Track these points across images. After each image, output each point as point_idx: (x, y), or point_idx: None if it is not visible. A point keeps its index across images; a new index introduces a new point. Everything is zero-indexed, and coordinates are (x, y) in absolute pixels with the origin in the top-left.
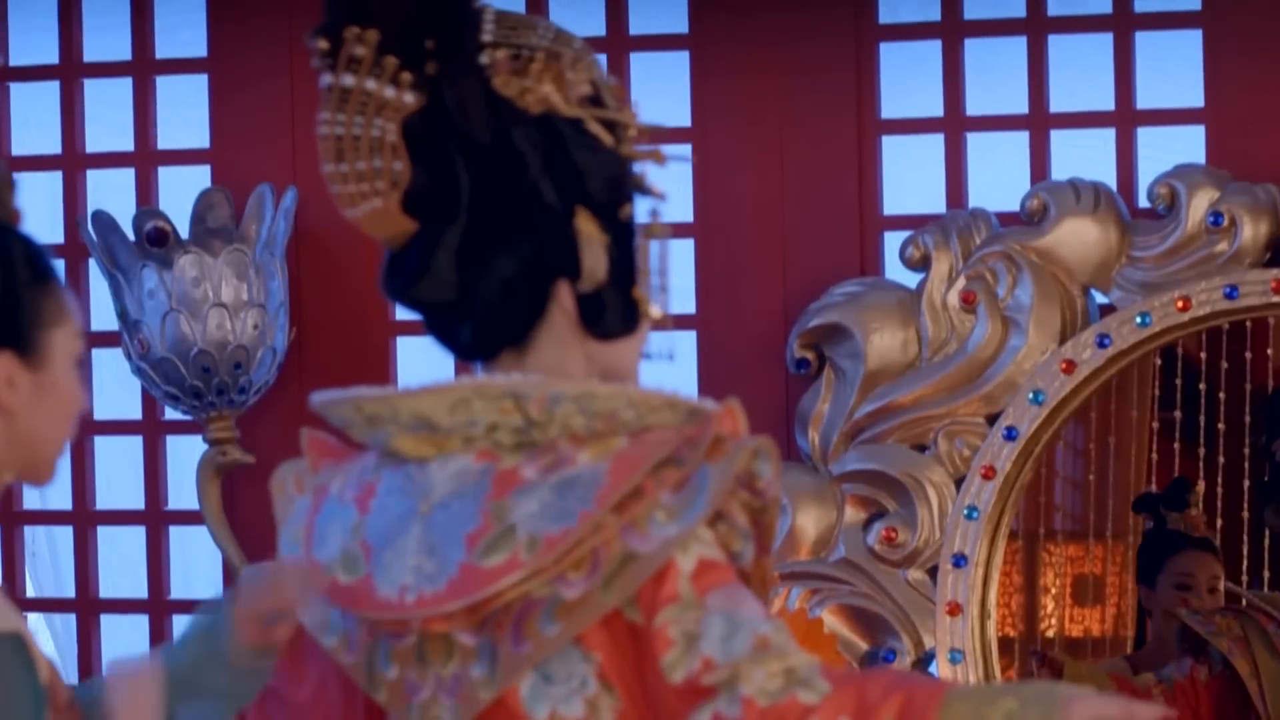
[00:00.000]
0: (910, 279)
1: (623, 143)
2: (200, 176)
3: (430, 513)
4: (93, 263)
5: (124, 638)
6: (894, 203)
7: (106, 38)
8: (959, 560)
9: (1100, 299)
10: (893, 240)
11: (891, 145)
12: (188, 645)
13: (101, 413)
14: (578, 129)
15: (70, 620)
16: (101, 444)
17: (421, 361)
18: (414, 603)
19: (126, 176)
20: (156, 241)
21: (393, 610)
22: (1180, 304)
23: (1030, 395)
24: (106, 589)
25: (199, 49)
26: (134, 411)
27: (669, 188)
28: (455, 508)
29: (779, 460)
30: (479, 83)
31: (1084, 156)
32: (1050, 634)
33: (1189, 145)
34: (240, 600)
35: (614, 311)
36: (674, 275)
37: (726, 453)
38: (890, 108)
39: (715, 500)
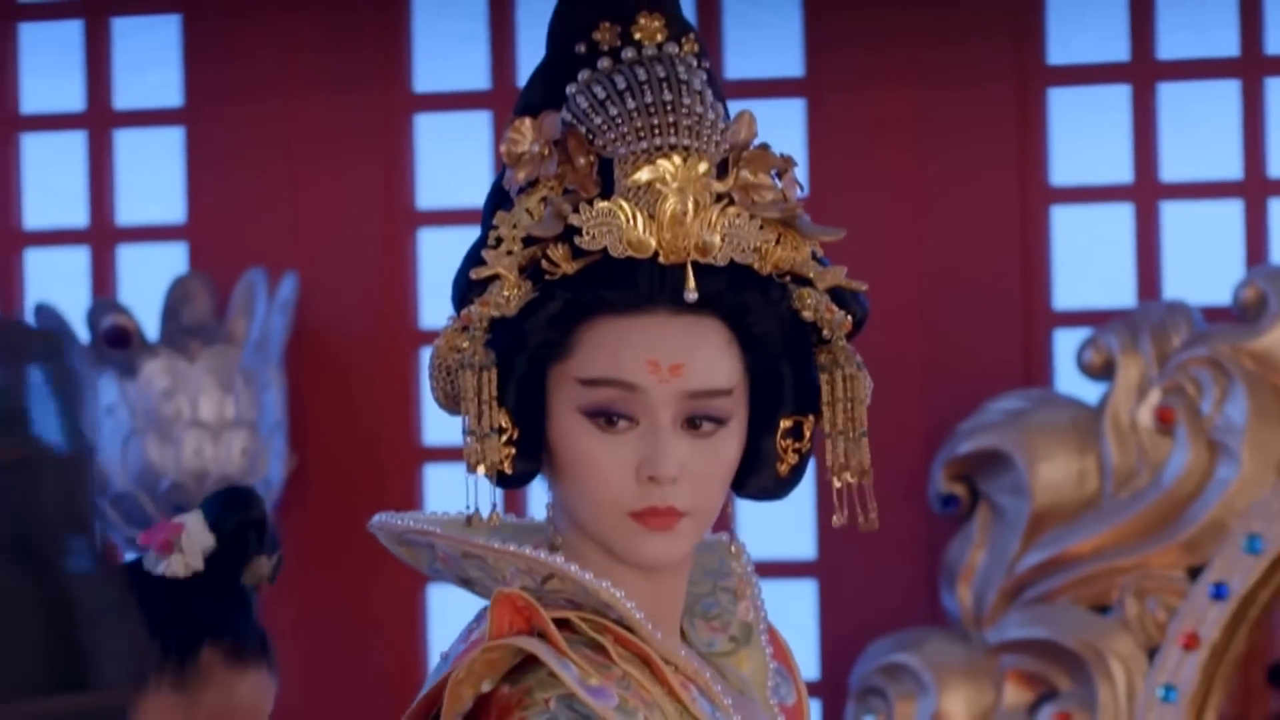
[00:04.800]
0: (1089, 391)
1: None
2: (173, 258)
3: None
4: None
5: None
6: (1067, 293)
7: (52, 81)
8: None
9: None
10: (1066, 340)
11: (1064, 218)
12: None
13: None
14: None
15: None
16: None
17: (454, 495)
18: None
19: (78, 258)
20: (116, 342)
21: None
22: None
23: (1244, 542)
24: None
25: (172, 97)
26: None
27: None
28: None
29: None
30: None
31: None
32: None
33: None
34: None
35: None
36: None
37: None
38: (1063, 171)
39: None
